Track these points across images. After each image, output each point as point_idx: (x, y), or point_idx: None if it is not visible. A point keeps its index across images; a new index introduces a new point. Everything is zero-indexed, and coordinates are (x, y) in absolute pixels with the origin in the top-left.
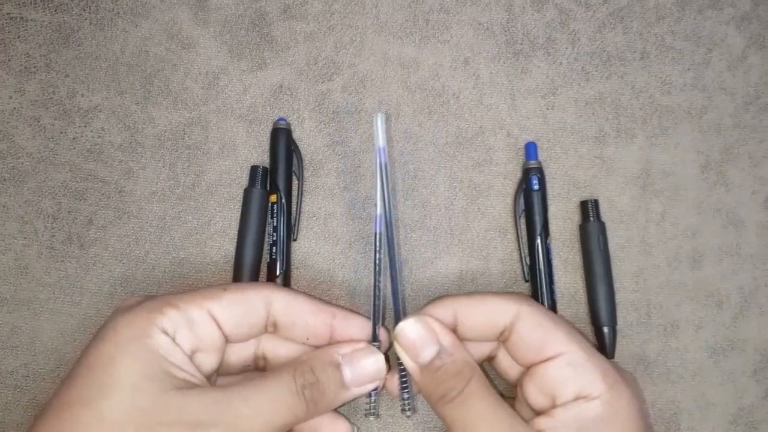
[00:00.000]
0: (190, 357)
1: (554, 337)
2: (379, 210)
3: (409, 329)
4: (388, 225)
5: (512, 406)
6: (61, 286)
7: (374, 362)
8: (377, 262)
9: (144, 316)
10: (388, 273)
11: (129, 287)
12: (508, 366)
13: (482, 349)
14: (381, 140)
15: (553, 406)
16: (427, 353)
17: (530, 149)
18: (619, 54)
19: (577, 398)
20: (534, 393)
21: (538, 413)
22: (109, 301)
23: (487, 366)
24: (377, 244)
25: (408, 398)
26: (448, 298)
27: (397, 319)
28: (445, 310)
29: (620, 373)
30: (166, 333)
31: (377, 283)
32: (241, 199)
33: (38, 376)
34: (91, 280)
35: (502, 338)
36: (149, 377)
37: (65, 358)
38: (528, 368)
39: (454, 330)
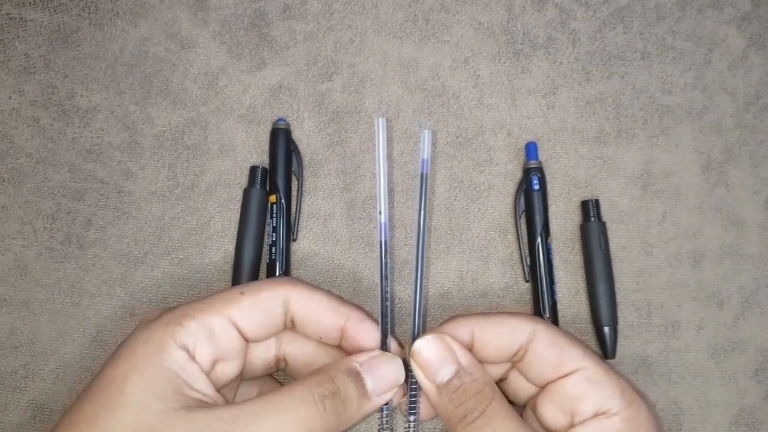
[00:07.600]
0: (211, 368)
1: (571, 353)
2: (383, 219)
3: (427, 347)
4: (421, 238)
5: None
6: (60, 286)
7: (394, 368)
8: (383, 272)
9: (161, 330)
10: (411, 287)
11: (128, 288)
12: (519, 387)
13: (493, 372)
14: (426, 152)
15: (572, 425)
16: (445, 372)
17: (530, 149)
18: (620, 54)
19: (596, 414)
20: (551, 411)
21: None
22: (108, 301)
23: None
24: (382, 253)
25: (414, 421)
26: (465, 317)
27: (414, 338)
28: (462, 328)
29: (637, 390)
30: (185, 347)
31: (384, 294)
32: (241, 200)
33: (37, 377)
34: (90, 281)
35: (516, 359)
36: (157, 395)
37: (64, 359)
38: (544, 387)
39: (470, 350)
